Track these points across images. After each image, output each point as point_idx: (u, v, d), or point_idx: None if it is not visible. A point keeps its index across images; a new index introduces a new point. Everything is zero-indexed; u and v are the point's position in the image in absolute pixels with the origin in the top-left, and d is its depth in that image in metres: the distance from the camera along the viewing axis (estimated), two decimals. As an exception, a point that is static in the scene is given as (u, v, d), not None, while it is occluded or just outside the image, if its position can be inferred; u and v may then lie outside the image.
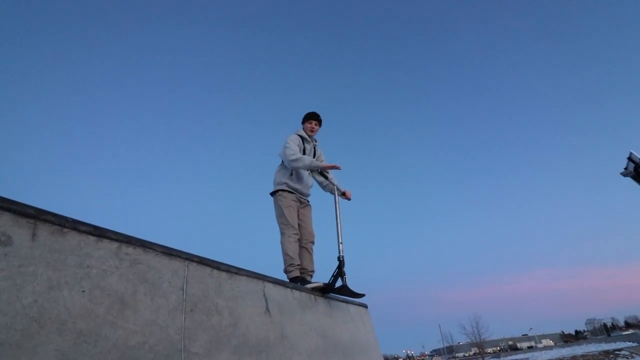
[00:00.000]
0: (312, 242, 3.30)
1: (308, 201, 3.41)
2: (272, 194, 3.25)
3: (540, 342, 64.73)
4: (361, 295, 3.05)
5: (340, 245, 3.00)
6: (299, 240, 3.14)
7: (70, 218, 1.18)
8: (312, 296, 2.70)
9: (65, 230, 1.14)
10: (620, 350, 25.99)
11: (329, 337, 2.62)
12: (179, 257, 1.55)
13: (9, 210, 1.02)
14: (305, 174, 3.34)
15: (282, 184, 3.21)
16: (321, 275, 3.11)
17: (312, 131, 3.45)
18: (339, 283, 2.89)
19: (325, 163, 3.26)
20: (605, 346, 29.90)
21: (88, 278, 1.15)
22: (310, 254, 3.25)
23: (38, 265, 1.03)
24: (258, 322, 1.87)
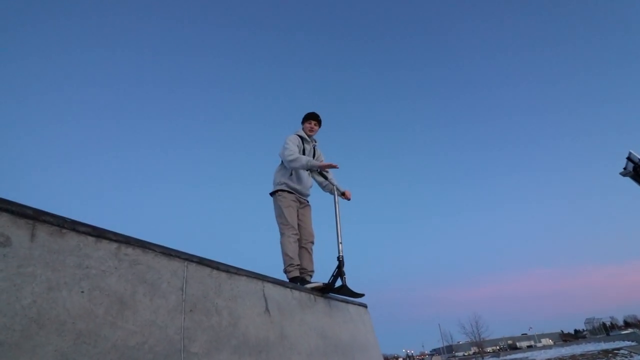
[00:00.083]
0: (312, 242, 3.30)
1: (308, 201, 3.41)
2: (272, 194, 3.25)
3: (540, 342, 64.82)
4: (361, 295, 3.05)
5: (340, 245, 3.00)
6: (299, 240, 3.15)
7: (69, 219, 1.18)
8: (312, 296, 2.70)
9: (64, 230, 1.14)
10: (619, 349, 26.05)
11: (328, 337, 2.63)
12: (178, 257, 1.55)
13: (7, 211, 1.02)
14: (305, 174, 3.34)
15: (282, 184, 3.21)
16: (321, 275, 3.12)
17: (311, 131, 3.45)
18: (338, 283, 2.90)
19: (322, 162, 3.26)
20: (604, 345, 29.97)
21: (87, 279, 1.15)
22: (310, 254, 3.25)
23: (37, 266, 1.03)
24: (258, 322, 1.87)
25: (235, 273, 1.88)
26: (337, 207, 3.25)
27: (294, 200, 3.20)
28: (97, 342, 1.10)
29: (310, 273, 3.17)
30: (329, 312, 2.86)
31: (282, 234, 3.08)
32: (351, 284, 2.89)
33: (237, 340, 1.66)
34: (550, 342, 61.98)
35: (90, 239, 1.21)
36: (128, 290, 1.26)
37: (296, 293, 2.47)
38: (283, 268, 3.01)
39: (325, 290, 2.93)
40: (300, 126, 3.50)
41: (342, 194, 3.45)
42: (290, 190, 3.21)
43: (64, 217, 1.17)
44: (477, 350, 54.26)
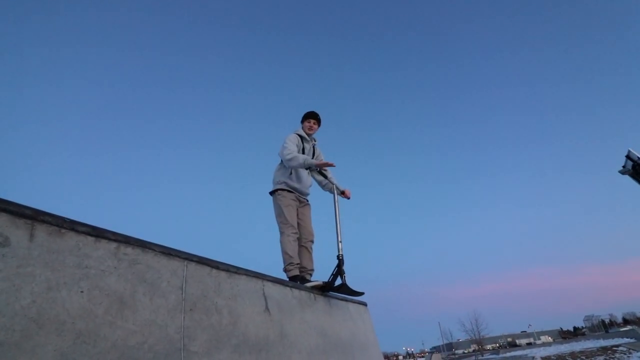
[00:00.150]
0: (312, 241, 3.30)
1: (307, 200, 3.41)
2: (272, 193, 3.25)
3: (539, 339, 65.04)
4: (360, 294, 3.06)
5: (340, 243, 3.00)
6: (299, 239, 3.15)
7: (68, 218, 1.18)
8: (312, 295, 2.71)
9: (63, 230, 1.14)
10: (618, 346, 26.14)
11: (328, 335, 2.63)
12: (178, 256, 1.55)
13: (6, 211, 1.02)
14: (305, 173, 3.34)
15: (282, 183, 3.21)
16: (320, 274, 3.12)
17: (310, 130, 3.45)
18: (338, 281, 2.90)
19: (319, 160, 3.25)
20: (603, 342, 30.05)
21: (87, 278, 1.15)
22: (310, 252, 3.26)
23: (36, 266, 1.03)
24: (257, 320, 1.88)
25: (235, 272, 1.88)
26: (336, 205, 3.25)
27: (293, 200, 3.20)
28: (97, 342, 1.10)
29: (310, 272, 3.17)
30: (329, 311, 2.86)
31: (281, 233, 3.08)
32: (351, 283, 2.90)
33: (237, 339, 1.66)
34: (550, 339, 62.23)
35: (90, 238, 1.21)
36: (128, 290, 1.26)
37: (296, 292, 2.48)
38: (283, 267, 3.02)
39: (325, 289, 2.94)
40: (300, 125, 3.50)
41: (342, 193, 3.45)
42: (289, 189, 3.21)
43: (63, 217, 1.17)
44: (476, 348, 54.42)
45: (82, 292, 1.12)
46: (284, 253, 3.02)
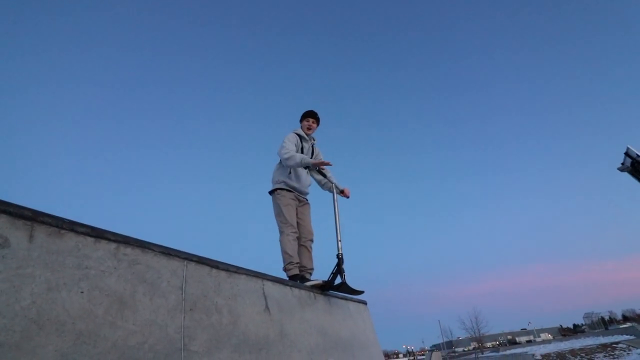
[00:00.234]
0: (311, 240, 3.30)
1: (307, 199, 3.41)
2: (271, 192, 3.25)
3: (539, 336, 65.15)
4: (360, 292, 3.06)
5: (339, 242, 3.00)
6: (298, 238, 3.15)
7: (68, 219, 1.18)
8: (312, 294, 2.71)
9: (62, 231, 1.14)
10: (617, 343, 26.23)
11: (328, 334, 2.64)
12: (178, 256, 1.55)
13: (5, 212, 1.02)
14: (304, 172, 3.34)
15: (281, 182, 3.21)
16: (320, 273, 3.13)
17: (309, 129, 3.44)
18: (338, 280, 2.91)
19: (316, 160, 3.25)
20: (603, 339, 30.14)
21: (87, 279, 1.15)
22: (309, 251, 3.26)
23: (36, 266, 1.03)
24: (257, 320, 1.88)
25: (235, 272, 1.88)
26: (336, 205, 3.25)
27: (292, 199, 3.20)
28: (97, 342, 1.10)
29: (309, 271, 3.17)
30: (328, 310, 2.87)
31: (281, 232, 3.08)
32: (351, 281, 2.90)
33: (237, 339, 1.67)
34: (550, 336, 62.33)
35: (89, 239, 1.21)
36: (128, 290, 1.26)
37: (296, 291, 2.48)
38: (282, 266, 3.02)
39: (325, 288, 2.94)
40: (299, 124, 3.50)
41: (341, 192, 3.45)
42: (289, 188, 3.21)
43: (63, 218, 1.17)
44: (476, 346, 54.54)
45: (82, 292, 1.12)
46: (284, 252, 3.02)
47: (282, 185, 3.19)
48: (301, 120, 3.49)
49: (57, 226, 1.13)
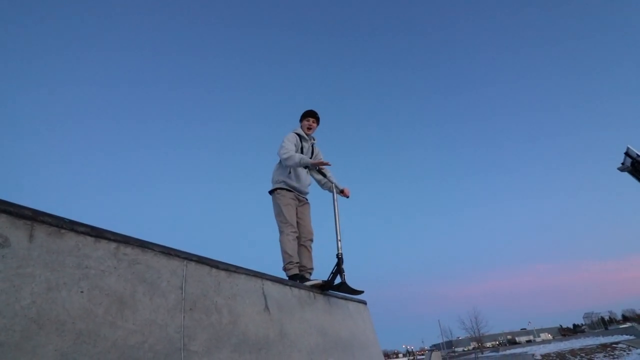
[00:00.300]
0: (311, 240, 3.30)
1: (306, 199, 3.41)
2: (271, 192, 3.25)
3: (539, 336, 65.16)
4: (360, 292, 3.06)
5: (339, 242, 3.01)
6: (298, 238, 3.15)
7: (68, 219, 1.18)
8: (311, 293, 2.71)
9: (62, 231, 1.14)
10: (617, 343, 26.23)
11: (328, 334, 2.64)
12: (178, 256, 1.55)
13: (5, 212, 1.02)
14: (304, 172, 3.34)
15: (281, 182, 3.21)
16: (320, 272, 3.13)
17: (309, 129, 3.44)
18: (338, 280, 2.91)
19: (315, 159, 3.25)
20: (602, 339, 30.14)
21: (86, 278, 1.15)
22: (309, 251, 3.26)
23: (36, 266, 1.03)
24: (257, 320, 1.88)
25: (235, 271, 1.89)
26: (336, 204, 3.25)
27: (292, 199, 3.20)
28: (97, 342, 1.10)
29: (309, 271, 3.17)
30: (328, 310, 2.87)
31: (281, 232, 3.08)
32: (350, 281, 2.90)
33: (237, 338, 1.67)
34: (549, 336, 62.34)
35: (89, 239, 1.22)
36: (127, 290, 1.27)
37: (296, 291, 2.48)
38: (282, 266, 3.02)
39: (325, 288, 2.94)
40: (299, 124, 3.50)
41: (341, 192, 3.45)
42: (288, 188, 3.21)
43: (63, 218, 1.17)
44: (476, 346, 54.55)
45: (82, 292, 1.12)
46: (284, 252, 3.02)
47: (282, 185, 3.20)
48: (301, 120, 3.49)
49: (57, 226, 1.13)
